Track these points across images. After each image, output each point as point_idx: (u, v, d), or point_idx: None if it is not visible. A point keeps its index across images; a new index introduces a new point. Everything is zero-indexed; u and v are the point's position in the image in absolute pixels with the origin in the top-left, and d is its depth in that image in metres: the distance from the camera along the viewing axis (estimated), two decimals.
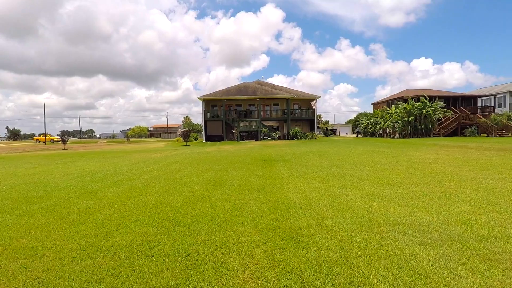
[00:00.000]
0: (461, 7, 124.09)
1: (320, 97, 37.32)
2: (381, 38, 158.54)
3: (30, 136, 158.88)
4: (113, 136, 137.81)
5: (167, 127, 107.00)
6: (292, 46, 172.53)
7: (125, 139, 67.28)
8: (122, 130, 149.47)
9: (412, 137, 27.29)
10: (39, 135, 59.96)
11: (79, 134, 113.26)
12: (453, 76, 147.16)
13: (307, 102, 37.41)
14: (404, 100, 29.57)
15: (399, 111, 28.57)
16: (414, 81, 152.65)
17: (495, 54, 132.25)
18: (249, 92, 34.68)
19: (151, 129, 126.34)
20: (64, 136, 35.24)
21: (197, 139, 37.80)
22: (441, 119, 27.39)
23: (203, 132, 34.39)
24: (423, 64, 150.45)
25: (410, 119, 26.65)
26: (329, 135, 48.28)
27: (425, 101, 26.78)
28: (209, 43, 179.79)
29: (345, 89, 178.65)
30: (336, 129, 64.74)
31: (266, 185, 6.63)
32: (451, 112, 28.62)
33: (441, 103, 27.97)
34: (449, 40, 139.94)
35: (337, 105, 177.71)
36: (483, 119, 26.28)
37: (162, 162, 12.40)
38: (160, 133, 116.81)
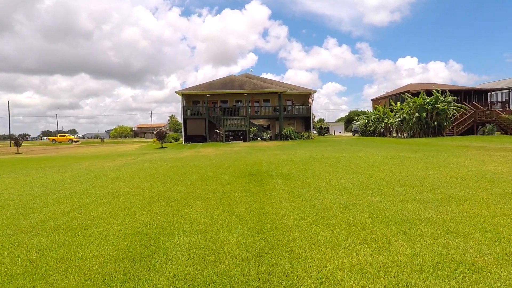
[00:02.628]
0: (445, 6, 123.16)
1: (316, 91, 33.58)
2: (368, 37, 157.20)
3: (8, 137, 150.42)
4: (96, 136, 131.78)
5: (152, 127, 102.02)
6: (279, 45, 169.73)
7: (100, 140, 62.27)
8: (108, 130, 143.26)
9: (422, 136, 23.79)
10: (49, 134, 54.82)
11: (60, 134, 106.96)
12: (438, 74, 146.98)
13: (302, 97, 33.60)
14: (413, 94, 26.09)
15: (406, 106, 24.99)
16: (400, 79, 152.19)
17: (478, 53, 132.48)
18: (236, 86, 30.50)
19: (135, 129, 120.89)
20: (18, 138, 30.58)
21: (178, 139, 33.61)
22: (456, 115, 23.92)
23: (183, 132, 30.12)
24: (408, 63, 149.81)
25: (422, 115, 23.03)
26: (323, 134, 44.66)
27: (437, 94, 23.28)
28: (195, 41, 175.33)
29: (334, 88, 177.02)
30: (328, 128, 61.35)
31: (253, 260, 2.80)
32: (467, 107, 25.25)
33: (452, 97, 24.54)
34: (434, 39, 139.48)
35: (325, 104, 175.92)
36: (506, 115, 22.94)
37: (104, 177, 8.45)
38: (145, 133, 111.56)
